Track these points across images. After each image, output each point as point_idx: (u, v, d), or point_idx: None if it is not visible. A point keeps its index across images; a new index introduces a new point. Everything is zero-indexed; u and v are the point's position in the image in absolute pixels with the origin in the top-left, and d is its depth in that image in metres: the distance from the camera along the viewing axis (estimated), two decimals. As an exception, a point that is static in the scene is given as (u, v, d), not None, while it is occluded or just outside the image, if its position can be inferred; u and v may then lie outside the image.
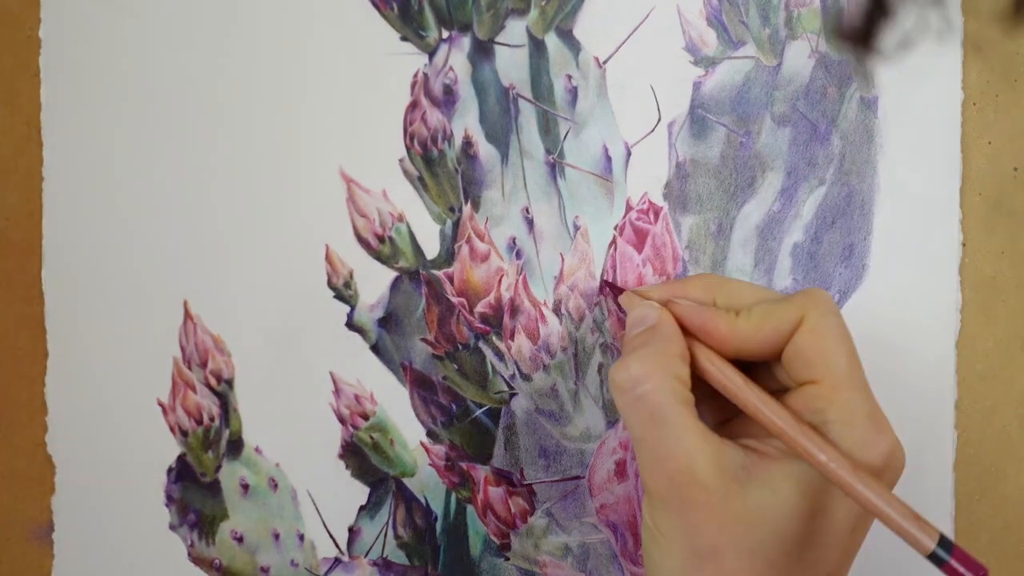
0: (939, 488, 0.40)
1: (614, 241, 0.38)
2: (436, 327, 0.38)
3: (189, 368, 0.37)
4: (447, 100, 0.37)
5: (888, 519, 0.29)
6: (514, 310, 0.38)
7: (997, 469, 0.40)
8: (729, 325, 0.32)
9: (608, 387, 0.31)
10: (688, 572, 0.30)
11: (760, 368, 0.33)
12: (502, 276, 0.38)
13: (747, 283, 0.35)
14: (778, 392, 0.32)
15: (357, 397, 0.38)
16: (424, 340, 0.38)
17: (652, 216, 0.39)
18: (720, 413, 0.34)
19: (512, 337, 0.38)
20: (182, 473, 0.38)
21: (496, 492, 0.38)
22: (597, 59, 0.38)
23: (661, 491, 0.30)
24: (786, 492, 0.30)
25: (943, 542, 0.28)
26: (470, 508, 0.38)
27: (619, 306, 0.38)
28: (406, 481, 0.38)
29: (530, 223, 0.38)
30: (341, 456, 0.38)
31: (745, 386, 0.32)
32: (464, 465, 0.38)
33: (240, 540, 0.38)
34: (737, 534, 0.29)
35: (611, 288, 0.38)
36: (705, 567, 0.30)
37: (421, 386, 0.38)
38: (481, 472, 0.38)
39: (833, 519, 0.31)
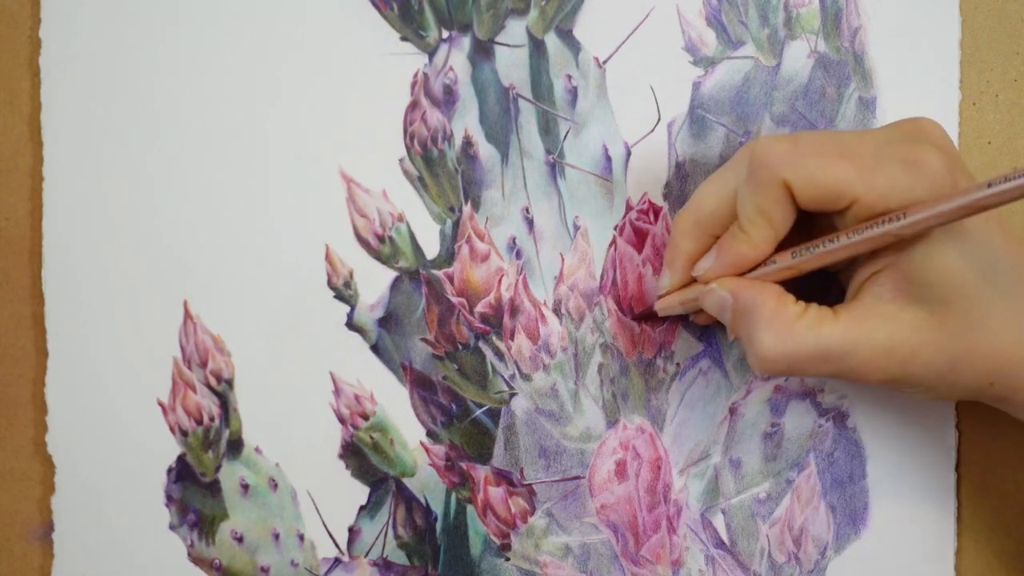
0: (941, 488, 0.39)
1: (614, 241, 0.38)
2: (436, 327, 0.38)
3: (189, 368, 0.37)
4: (447, 100, 0.38)
5: (997, 196, 0.29)
6: (514, 310, 0.38)
7: (997, 469, 0.40)
8: (748, 244, 0.33)
9: (758, 372, 0.32)
10: (953, 386, 0.32)
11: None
12: (502, 276, 0.38)
13: (694, 200, 0.35)
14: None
15: (357, 397, 0.38)
16: (424, 340, 0.38)
17: (652, 216, 0.39)
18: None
19: (512, 337, 0.38)
20: (182, 473, 0.38)
21: (496, 492, 0.38)
22: (597, 59, 0.38)
23: (890, 380, 0.32)
24: (939, 262, 0.31)
25: None
26: (470, 508, 0.38)
27: (630, 322, 0.38)
28: (406, 481, 0.38)
29: (530, 223, 0.38)
30: (341, 456, 0.38)
31: (822, 248, 0.32)
32: (464, 465, 0.38)
33: (240, 540, 0.38)
34: (957, 332, 0.31)
35: (643, 318, 0.38)
36: (961, 372, 0.31)
37: (421, 386, 0.38)
38: (481, 472, 0.38)
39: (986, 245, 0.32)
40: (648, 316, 0.38)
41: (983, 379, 0.32)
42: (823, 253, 0.32)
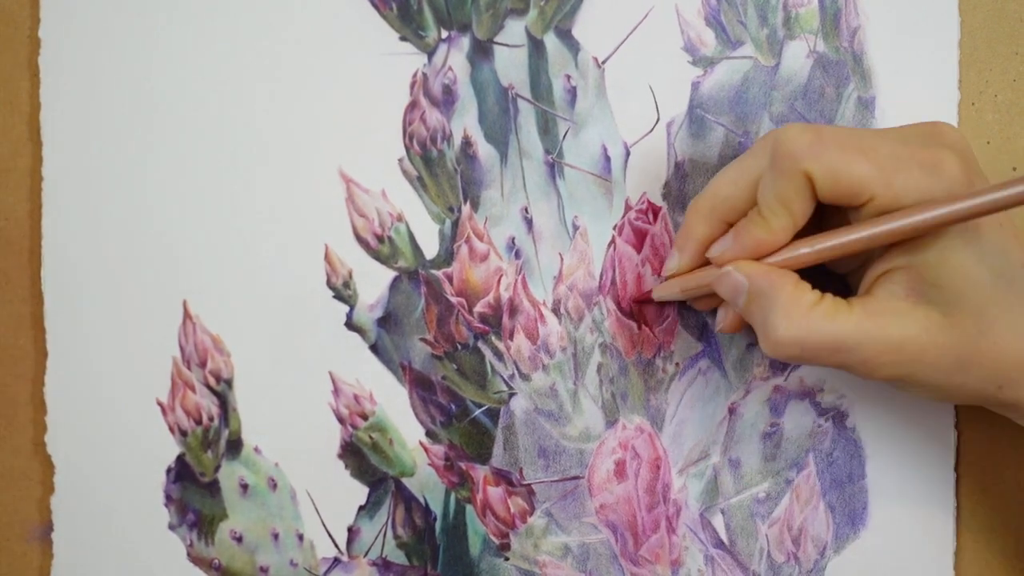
0: (940, 488, 0.39)
1: (613, 241, 0.38)
2: (435, 327, 0.38)
3: (188, 368, 0.37)
4: (446, 100, 0.38)
5: (1001, 201, 0.29)
6: (513, 310, 0.38)
7: (997, 469, 0.40)
8: (766, 231, 0.33)
9: (772, 355, 0.33)
10: (960, 389, 0.32)
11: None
12: (501, 276, 0.38)
13: (713, 185, 0.35)
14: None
15: (356, 397, 0.38)
16: (423, 340, 0.38)
17: (651, 216, 0.39)
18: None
19: (511, 337, 0.38)
20: (181, 473, 0.38)
21: (495, 492, 0.38)
22: (596, 59, 0.38)
23: (897, 378, 0.32)
24: (953, 264, 0.31)
25: None
26: (469, 508, 0.38)
27: (631, 309, 0.38)
28: (405, 481, 0.38)
29: (529, 223, 0.38)
30: (340, 456, 0.38)
31: (842, 238, 0.32)
32: (463, 465, 0.38)
33: (239, 540, 0.38)
34: (968, 335, 0.31)
35: (641, 301, 0.38)
36: (969, 374, 0.32)
37: (420, 386, 0.38)
38: (480, 472, 0.38)
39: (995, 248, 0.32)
40: (644, 301, 0.38)
41: (992, 383, 0.32)
42: (844, 243, 0.32)
